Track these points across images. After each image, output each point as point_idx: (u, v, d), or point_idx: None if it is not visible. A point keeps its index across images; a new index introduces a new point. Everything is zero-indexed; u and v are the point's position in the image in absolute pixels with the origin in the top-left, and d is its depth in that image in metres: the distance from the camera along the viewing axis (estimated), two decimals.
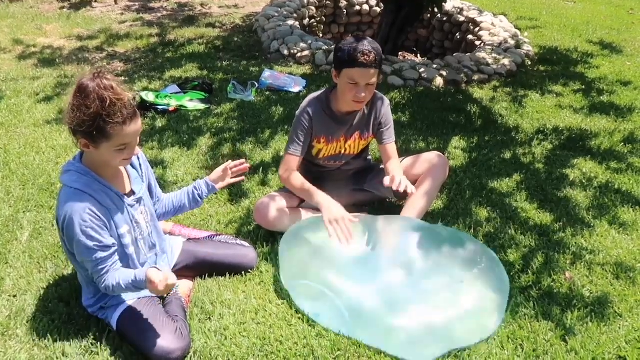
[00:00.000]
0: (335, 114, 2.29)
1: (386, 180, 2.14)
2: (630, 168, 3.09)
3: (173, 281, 1.61)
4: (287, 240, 2.15)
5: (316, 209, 2.40)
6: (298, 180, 2.25)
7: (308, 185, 2.22)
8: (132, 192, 1.83)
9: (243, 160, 2.13)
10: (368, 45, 2.07)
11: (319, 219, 2.21)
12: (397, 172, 2.22)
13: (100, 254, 1.68)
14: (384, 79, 4.19)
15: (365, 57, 2.05)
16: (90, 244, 1.65)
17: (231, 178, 2.13)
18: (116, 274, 1.71)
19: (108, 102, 1.56)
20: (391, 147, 2.37)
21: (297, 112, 2.28)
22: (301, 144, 2.26)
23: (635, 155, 3.24)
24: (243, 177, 2.19)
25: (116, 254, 1.73)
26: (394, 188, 2.11)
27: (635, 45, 5.43)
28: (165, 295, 1.93)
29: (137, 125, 1.65)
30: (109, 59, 4.64)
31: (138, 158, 1.88)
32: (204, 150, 3.14)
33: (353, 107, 2.23)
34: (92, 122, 1.56)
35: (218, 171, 2.11)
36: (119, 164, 1.74)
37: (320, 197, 2.15)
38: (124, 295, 1.84)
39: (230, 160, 2.13)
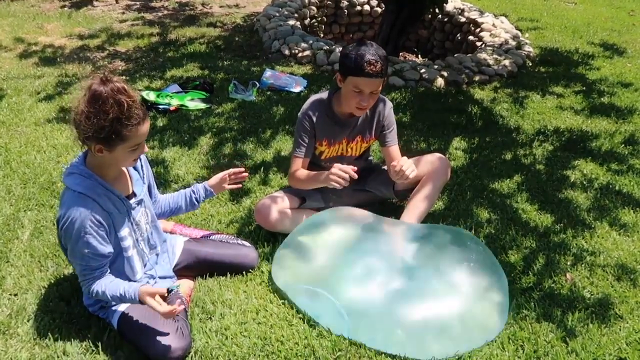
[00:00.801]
0: (338, 117, 2.29)
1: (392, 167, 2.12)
2: (631, 169, 3.09)
3: (180, 308, 1.65)
4: (282, 248, 2.17)
5: (317, 210, 2.40)
6: (303, 173, 2.26)
7: (312, 172, 2.24)
8: (133, 194, 1.83)
9: (243, 169, 2.15)
10: (375, 54, 2.04)
11: (313, 221, 2.21)
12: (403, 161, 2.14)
13: (92, 262, 1.69)
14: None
15: (372, 67, 2.03)
16: (85, 251, 1.65)
17: (229, 184, 2.15)
18: (103, 282, 1.72)
19: (126, 105, 1.56)
20: (394, 149, 2.36)
21: (299, 114, 2.28)
22: (305, 145, 2.26)
23: (635, 157, 3.24)
24: (240, 185, 2.21)
25: (108, 263, 1.74)
26: (397, 170, 2.08)
27: (636, 47, 5.42)
28: (166, 295, 1.93)
29: (148, 123, 1.67)
30: (110, 58, 4.64)
31: (140, 159, 1.88)
32: (205, 149, 3.14)
33: (356, 112, 2.22)
34: (111, 127, 1.56)
35: (217, 177, 2.13)
36: (129, 164, 1.75)
37: (325, 172, 2.14)
38: None
39: (232, 168, 2.15)
